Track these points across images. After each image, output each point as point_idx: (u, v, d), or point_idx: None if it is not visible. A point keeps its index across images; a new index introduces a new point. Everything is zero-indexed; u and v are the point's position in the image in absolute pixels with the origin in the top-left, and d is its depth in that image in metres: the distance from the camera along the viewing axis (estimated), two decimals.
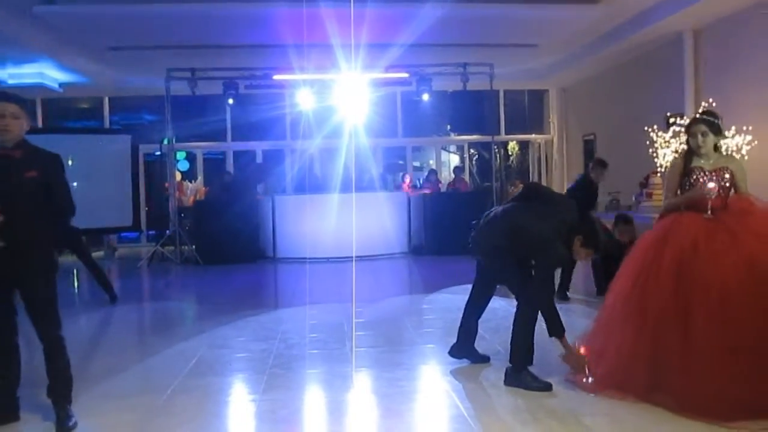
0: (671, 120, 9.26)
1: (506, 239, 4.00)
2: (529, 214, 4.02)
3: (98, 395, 3.93)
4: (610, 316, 3.92)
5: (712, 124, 3.89)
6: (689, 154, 3.97)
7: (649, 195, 9.31)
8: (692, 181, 3.88)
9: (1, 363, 3.44)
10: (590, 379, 3.82)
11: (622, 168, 11.19)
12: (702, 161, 3.90)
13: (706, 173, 3.85)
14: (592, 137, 13.58)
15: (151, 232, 13.89)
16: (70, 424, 3.37)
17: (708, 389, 3.28)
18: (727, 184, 3.85)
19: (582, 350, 3.97)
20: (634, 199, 10.01)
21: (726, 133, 8.34)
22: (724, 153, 4.22)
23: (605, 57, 11.37)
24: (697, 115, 4.11)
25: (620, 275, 3.94)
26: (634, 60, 11.27)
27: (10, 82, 11.40)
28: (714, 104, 7.77)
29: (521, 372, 3.91)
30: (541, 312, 3.93)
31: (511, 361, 3.98)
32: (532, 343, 3.98)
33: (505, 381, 3.96)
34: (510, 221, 4.05)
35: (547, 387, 3.82)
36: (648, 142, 9.14)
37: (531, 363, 3.97)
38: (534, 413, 3.49)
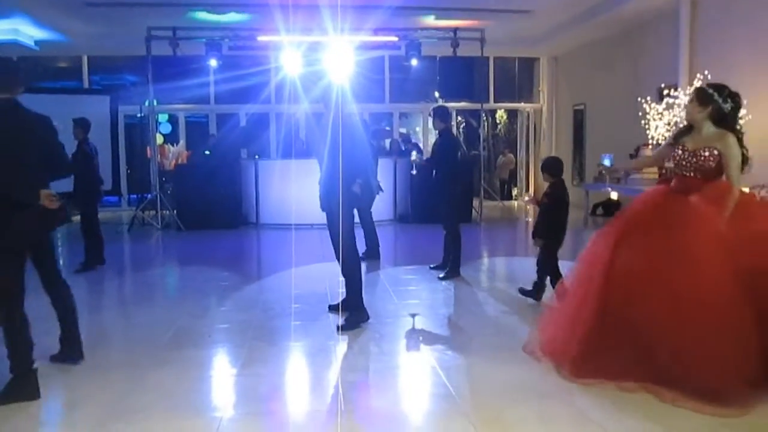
0: (665, 92, 9.09)
1: None
2: None
3: (72, 367, 3.75)
4: (577, 295, 3.65)
5: (702, 94, 3.61)
6: (689, 128, 3.76)
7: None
8: (673, 155, 3.71)
9: None
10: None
11: (613, 139, 11.09)
12: (688, 138, 3.66)
13: (686, 150, 3.61)
14: (582, 107, 13.41)
15: (132, 197, 13.62)
16: None
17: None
18: (705, 165, 3.55)
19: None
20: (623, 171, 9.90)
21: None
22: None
23: (599, 25, 11.10)
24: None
25: (594, 248, 3.75)
26: (628, 30, 11.04)
27: None
28: (709, 77, 7.61)
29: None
30: None
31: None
32: None
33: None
34: None
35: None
36: (640, 114, 8.96)
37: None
38: (523, 392, 3.39)
